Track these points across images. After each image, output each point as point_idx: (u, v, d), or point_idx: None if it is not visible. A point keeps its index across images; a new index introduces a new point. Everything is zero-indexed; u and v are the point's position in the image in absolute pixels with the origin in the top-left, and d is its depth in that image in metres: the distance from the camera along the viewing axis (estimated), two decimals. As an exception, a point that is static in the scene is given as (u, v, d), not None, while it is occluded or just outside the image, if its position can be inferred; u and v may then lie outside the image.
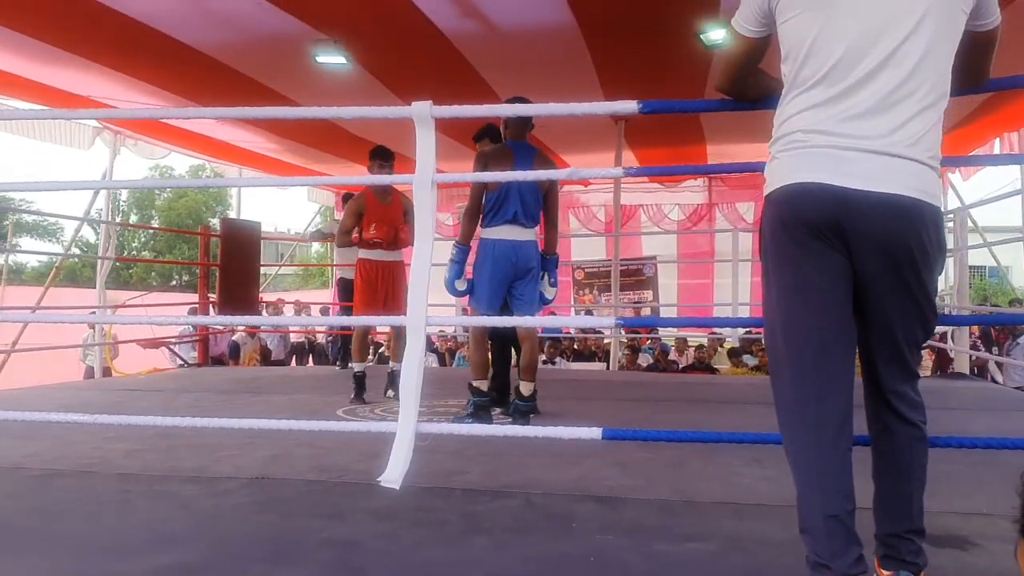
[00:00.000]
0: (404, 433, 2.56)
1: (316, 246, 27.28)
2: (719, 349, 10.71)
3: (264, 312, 10.43)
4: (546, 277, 4.52)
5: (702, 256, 13.01)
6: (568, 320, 9.83)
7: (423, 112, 2.60)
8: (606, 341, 10.81)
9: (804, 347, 1.79)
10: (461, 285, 4.43)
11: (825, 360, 1.78)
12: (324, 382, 6.74)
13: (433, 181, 2.64)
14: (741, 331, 9.96)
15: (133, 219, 38.88)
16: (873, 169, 1.71)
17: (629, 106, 2.51)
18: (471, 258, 4.50)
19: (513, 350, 5.03)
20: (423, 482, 2.82)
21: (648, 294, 13.42)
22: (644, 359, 10.50)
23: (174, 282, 35.23)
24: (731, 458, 3.31)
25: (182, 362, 9.27)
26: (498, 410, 4.65)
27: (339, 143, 9.70)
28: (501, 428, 2.85)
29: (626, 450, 3.46)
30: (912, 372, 1.87)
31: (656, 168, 11.42)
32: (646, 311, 12.99)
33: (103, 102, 8.22)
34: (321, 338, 12.22)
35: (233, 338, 10.55)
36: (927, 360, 10.18)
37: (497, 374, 4.92)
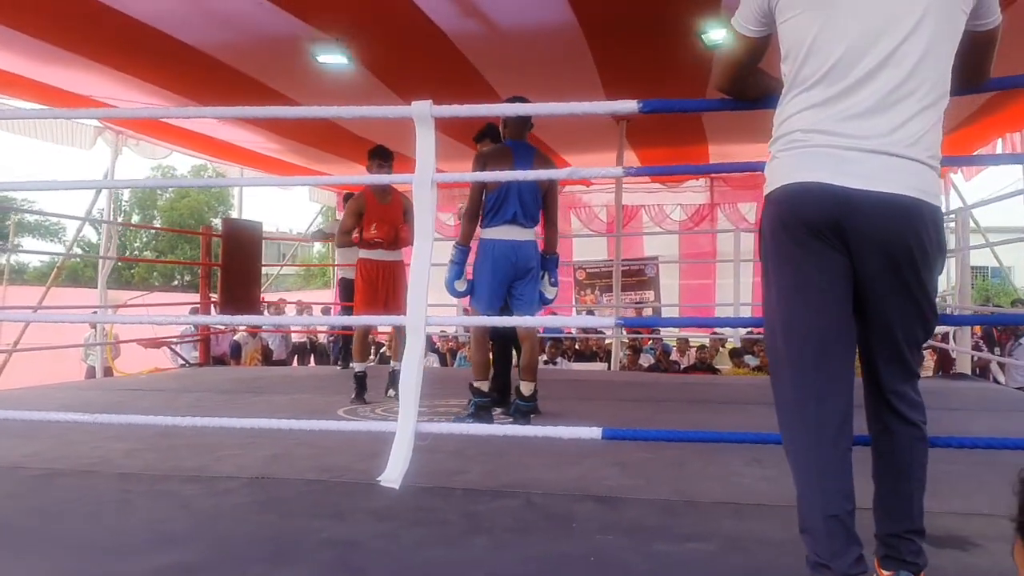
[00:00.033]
0: (404, 433, 2.56)
1: (318, 246, 27.31)
2: (721, 349, 10.70)
3: (266, 312, 10.43)
4: (546, 277, 4.52)
5: (704, 257, 13.00)
6: (569, 320, 9.83)
7: (423, 111, 2.60)
8: (607, 341, 10.80)
9: (804, 347, 1.79)
10: (461, 286, 4.43)
11: (825, 360, 1.77)
12: (325, 382, 6.74)
13: (433, 181, 2.64)
14: (743, 331, 9.95)
15: (135, 219, 38.93)
16: (873, 169, 1.71)
17: (629, 105, 2.51)
18: (471, 258, 4.50)
19: (514, 350, 5.03)
20: (423, 482, 2.82)
21: (650, 294, 13.40)
22: (646, 359, 10.49)
23: (176, 282, 35.26)
24: (732, 458, 3.31)
25: (183, 362, 9.27)
26: (499, 410, 4.65)
27: (340, 143, 9.71)
28: (501, 428, 2.86)
29: (626, 450, 3.46)
30: (912, 372, 1.87)
31: (656, 168, 11.41)
32: (648, 311, 12.97)
33: (104, 102, 8.22)
34: (323, 338, 12.22)
35: (235, 338, 10.55)
36: (929, 360, 10.16)
37: (498, 374, 4.92)
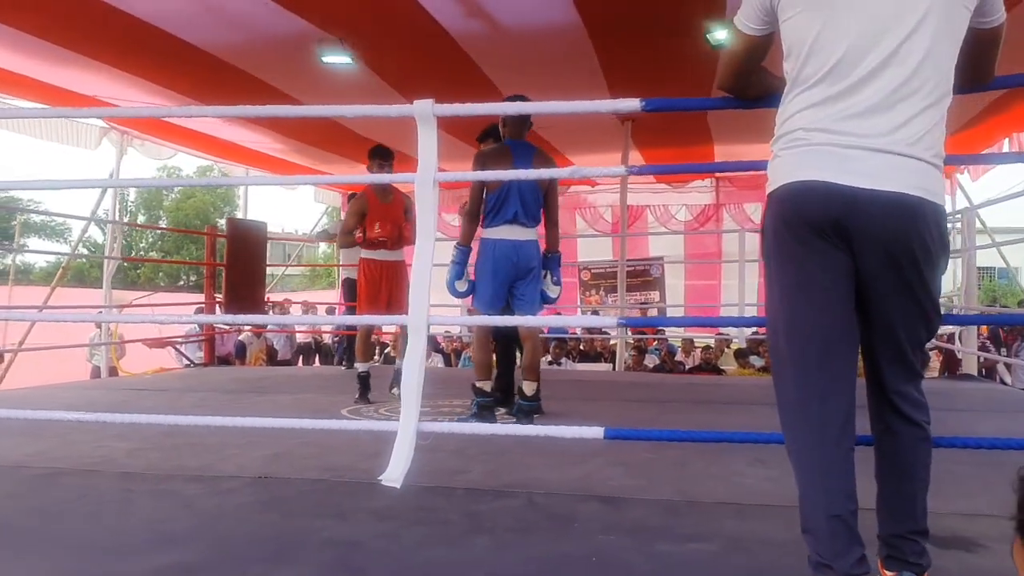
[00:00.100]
0: (405, 432, 2.56)
1: (323, 247, 27.33)
2: (726, 350, 10.68)
3: (270, 312, 10.44)
4: (548, 276, 4.51)
5: (709, 257, 12.97)
6: (571, 320, 9.81)
7: (425, 110, 2.59)
8: (612, 342, 10.78)
9: (807, 346, 1.78)
10: (462, 286, 4.43)
11: (828, 359, 1.77)
12: (329, 382, 6.74)
13: (435, 180, 2.64)
14: (748, 332, 9.92)
15: (141, 220, 39.06)
16: (875, 167, 1.70)
17: (631, 104, 2.49)
18: (472, 259, 4.50)
19: (517, 350, 5.02)
20: (425, 481, 2.81)
21: (655, 295, 13.38)
22: (650, 360, 10.46)
23: (182, 282, 35.34)
24: (735, 458, 3.30)
25: (188, 362, 9.28)
26: (502, 410, 4.64)
27: (344, 143, 9.71)
28: (503, 427, 2.86)
29: (629, 450, 3.45)
30: (915, 372, 1.86)
31: (658, 166, 11.38)
32: (653, 312, 12.96)
33: (109, 102, 8.24)
34: (327, 338, 12.22)
35: (239, 338, 10.56)
36: (935, 361, 10.13)
37: (501, 374, 4.92)
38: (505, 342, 4.97)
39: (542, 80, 7.25)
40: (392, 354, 9.60)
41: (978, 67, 1.96)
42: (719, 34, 6.22)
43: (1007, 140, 9.26)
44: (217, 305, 8.34)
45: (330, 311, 12.40)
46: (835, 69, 1.74)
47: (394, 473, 2.49)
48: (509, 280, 4.34)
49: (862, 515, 1.76)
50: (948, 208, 9.59)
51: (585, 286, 13.72)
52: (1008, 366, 9.42)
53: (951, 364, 9.24)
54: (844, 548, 1.69)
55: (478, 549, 2.28)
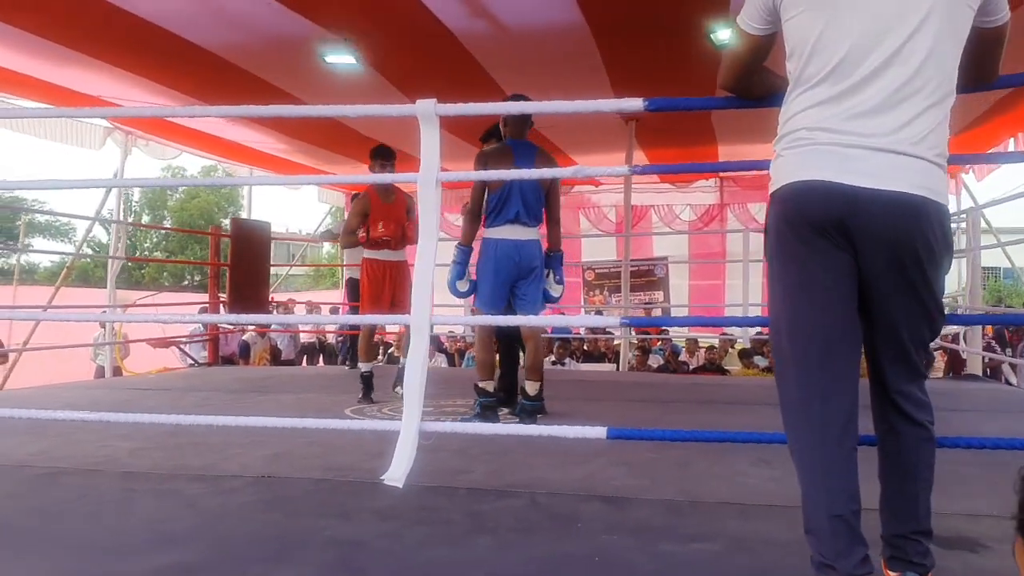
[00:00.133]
0: (408, 431, 2.56)
1: (327, 247, 27.32)
2: (730, 350, 10.66)
3: (274, 312, 10.44)
4: (551, 275, 4.50)
5: (714, 257, 12.96)
6: (573, 319, 9.80)
7: (427, 110, 2.59)
8: (616, 342, 10.77)
9: (809, 346, 1.77)
10: (463, 286, 4.43)
11: (830, 359, 1.76)
12: (333, 382, 6.74)
13: (437, 180, 2.63)
14: (752, 332, 9.91)
15: (145, 220, 39.11)
16: (878, 167, 1.69)
17: (634, 103, 2.49)
18: (474, 258, 4.49)
19: (520, 350, 5.02)
20: (427, 481, 2.81)
21: (659, 295, 13.36)
22: (654, 360, 10.45)
23: (186, 282, 35.39)
24: (738, 458, 3.29)
25: (192, 362, 9.30)
26: (505, 410, 4.64)
27: (348, 143, 9.71)
28: (506, 427, 2.85)
29: (633, 450, 3.45)
30: (918, 372, 1.85)
31: (661, 166, 11.36)
32: (657, 312, 12.94)
33: (113, 102, 8.25)
34: (331, 338, 12.23)
35: (243, 338, 10.57)
36: (939, 362, 10.11)
37: (504, 374, 4.91)
38: (508, 342, 4.97)
39: (545, 80, 7.25)
40: (396, 354, 9.60)
41: (982, 66, 1.95)
42: (723, 34, 6.21)
43: (1012, 140, 9.23)
44: (221, 305, 8.35)
45: (334, 311, 12.40)
46: (838, 69, 1.74)
47: (396, 473, 2.49)
48: (511, 280, 4.34)
49: (866, 515, 1.75)
50: (953, 208, 9.57)
51: (589, 286, 13.70)
52: (1013, 366, 9.39)
53: (956, 364, 9.23)
54: (846, 548, 1.68)
55: (480, 549, 2.27)
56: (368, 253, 5.44)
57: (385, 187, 5.41)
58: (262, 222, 9.14)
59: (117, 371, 9.13)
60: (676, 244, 13.39)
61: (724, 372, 9.65)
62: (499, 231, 4.31)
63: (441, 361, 10.89)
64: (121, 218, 10.69)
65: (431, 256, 2.67)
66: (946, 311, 1.89)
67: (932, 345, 9.10)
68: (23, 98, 8.21)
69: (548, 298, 4.52)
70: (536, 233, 4.40)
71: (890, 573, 1.83)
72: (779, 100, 1.95)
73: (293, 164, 11.64)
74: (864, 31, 1.72)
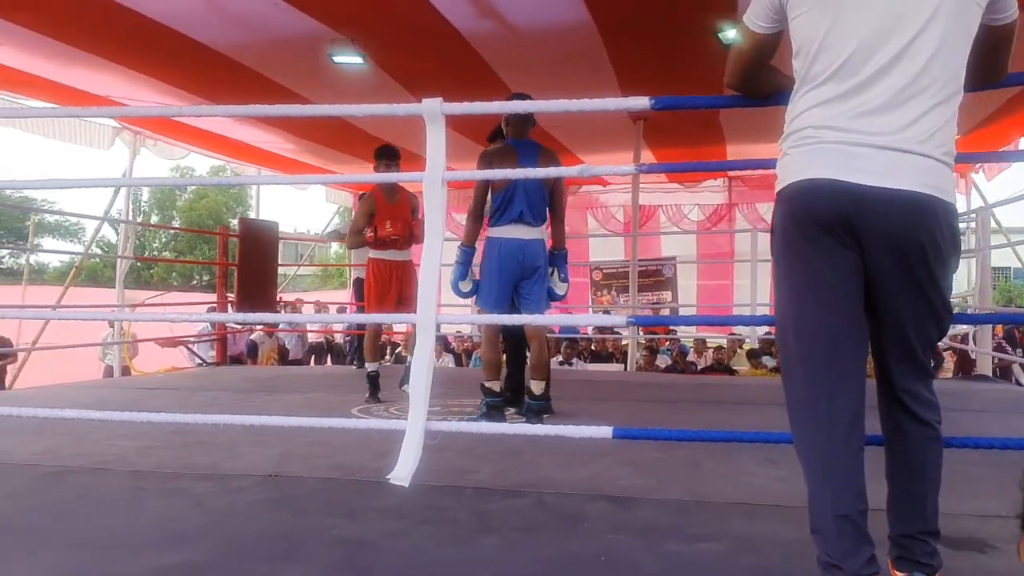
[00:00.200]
0: (414, 431, 2.56)
1: (335, 246, 27.39)
2: (739, 350, 10.63)
3: (282, 312, 10.46)
4: (555, 273, 4.49)
5: (722, 257, 12.93)
6: (580, 318, 9.79)
7: (433, 109, 2.59)
8: (624, 342, 10.75)
9: (815, 344, 1.77)
10: (466, 287, 4.42)
11: (836, 357, 1.75)
12: (340, 381, 6.75)
13: (443, 179, 2.63)
14: (760, 332, 9.89)
15: (154, 220, 39.27)
16: (885, 165, 1.69)
17: (641, 102, 2.49)
18: (478, 259, 4.49)
19: (527, 350, 5.01)
20: (434, 480, 2.81)
21: (667, 295, 13.33)
22: (662, 360, 10.43)
23: (195, 282, 35.51)
24: (745, 458, 3.29)
25: (200, 361, 9.32)
26: (512, 410, 4.63)
27: (355, 143, 9.72)
28: (512, 427, 2.85)
29: (639, 450, 3.44)
30: (925, 371, 1.85)
31: (668, 164, 11.33)
32: (665, 312, 12.92)
33: (121, 102, 8.27)
34: (339, 338, 12.25)
35: (251, 337, 10.59)
36: (949, 362, 10.06)
37: (511, 374, 4.91)
38: (515, 341, 4.96)
39: (552, 79, 7.24)
40: (403, 353, 9.61)
41: (990, 64, 1.94)
42: (731, 33, 6.19)
43: (1022, 138, 9.19)
44: (229, 305, 8.36)
45: (341, 311, 12.42)
46: (844, 67, 1.73)
47: (402, 472, 2.49)
48: (514, 279, 4.33)
49: (873, 515, 1.74)
50: (963, 207, 9.52)
51: (597, 286, 13.68)
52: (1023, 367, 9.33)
53: (965, 365, 9.18)
54: (853, 548, 1.67)
55: (486, 548, 2.27)
56: (374, 253, 5.44)
57: (390, 187, 5.41)
58: (270, 222, 9.16)
59: (125, 370, 9.15)
60: (684, 244, 13.37)
61: (732, 372, 9.62)
62: (503, 230, 4.30)
63: (448, 361, 10.89)
64: (130, 218, 10.73)
65: (437, 255, 2.67)
66: (955, 311, 1.88)
67: (942, 345, 9.08)
68: (32, 98, 8.25)
69: (553, 296, 4.51)
70: (540, 232, 4.39)
71: (897, 573, 1.82)
72: (785, 99, 1.95)
73: (301, 164, 11.66)
74: (871, 29, 1.71)
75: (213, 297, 10.04)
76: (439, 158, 2.63)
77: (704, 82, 6.88)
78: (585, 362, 10.30)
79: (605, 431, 2.46)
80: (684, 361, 10.47)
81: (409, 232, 5.33)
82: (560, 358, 9.73)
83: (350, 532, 2.40)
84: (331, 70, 7.15)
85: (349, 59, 6.97)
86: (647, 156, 10.16)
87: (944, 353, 9.83)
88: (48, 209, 28.41)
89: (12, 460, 3.35)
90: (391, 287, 5.38)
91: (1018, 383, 8.88)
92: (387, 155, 5.36)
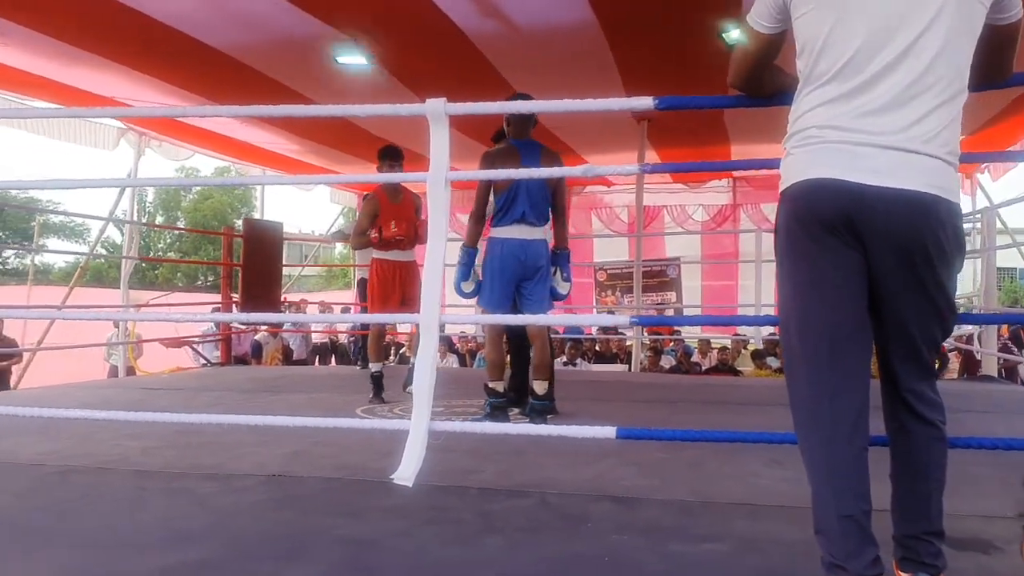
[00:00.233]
0: (417, 431, 2.56)
1: (339, 247, 27.40)
2: (743, 351, 10.63)
3: (286, 312, 10.47)
4: (558, 272, 4.49)
5: (726, 258, 12.91)
6: (584, 318, 9.78)
7: (437, 109, 2.59)
8: (628, 343, 10.75)
9: (819, 343, 1.76)
10: (468, 287, 4.42)
11: (840, 357, 1.75)
12: (345, 381, 6.75)
13: (447, 179, 2.63)
14: (765, 333, 9.88)
15: (159, 221, 39.32)
16: (888, 164, 1.68)
17: (644, 102, 2.49)
18: (480, 259, 4.49)
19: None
20: (438, 480, 2.81)
21: (671, 295, 13.30)
22: (666, 361, 10.43)
23: (199, 282, 35.56)
24: (750, 459, 3.28)
25: (205, 361, 9.33)
26: (515, 410, 4.63)
27: (359, 144, 9.72)
28: (515, 427, 2.85)
29: (643, 450, 3.44)
30: (929, 371, 1.84)
31: (672, 164, 11.30)
32: (669, 313, 12.90)
33: (125, 102, 8.29)
34: (343, 338, 12.25)
35: (256, 338, 10.61)
36: (954, 362, 10.04)
37: (515, 374, 4.91)
38: (518, 342, 4.96)
39: (556, 79, 7.24)
40: (407, 354, 9.61)
41: (994, 64, 1.94)
42: (735, 33, 6.18)
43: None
44: (234, 305, 8.37)
45: (345, 311, 12.42)
46: (847, 66, 1.73)
47: (406, 472, 2.49)
48: (516, 279, 4.32)
49: (878, 516, 1.74)
50: (968, 208, 9.48)
51: (601, 287, 13.65)
52: (1029, 367, 9.31)
53: (970, 365, 9.17)
54: (857, 548, 1.67)
55: (490, 548, 2.27)
56: (377, 253, 5.44)
57: (394, 187, 5.42)
58: (274, 223, 9.16)
59: (130, 371, 9.18)
60: (689, 245, 13.34)
61: (736, 373, 9.61)
62: (505, 231, 4.30)
63: (453, 362, 10.90)
64: (135, 219, 10.74)
65: (440, 256, 2.67)
66: (960, 311, 1.87)
67: (947, 346, 9.06)
68: (36, 99, 8.26)
69: (555, 296, 4.51)
70: (542, 233, 4.38)
71: (902, 574, 1.82)
72: (789, 98, 1.94)
73: (305, 165, 11.67)
74: (874, 29, 1.71)
75: (218, 297, 10.04)
76: (443, 158, 2.63)
77: (708, 82, 6.89)
78: (589, 363, 10.31)
79: (609, 431, 2.45)
80: (688, 362, 10.47)
81: (414, 233, 5.33)
82: (564, 359, 9.74)
83: (354, 532, 2.41)
84: (335, 70, 7.16)
85: (353, 60, 6.98)
86: (651, 156, 10.15)
87: (949, 354, 9.81)
88: (53, 210, 28.45)
89: (17, 459, 3.36)
90: (395, 288, 5.38)
91: (1023, 383, 8.86)
92: (390, 156, 5.36)
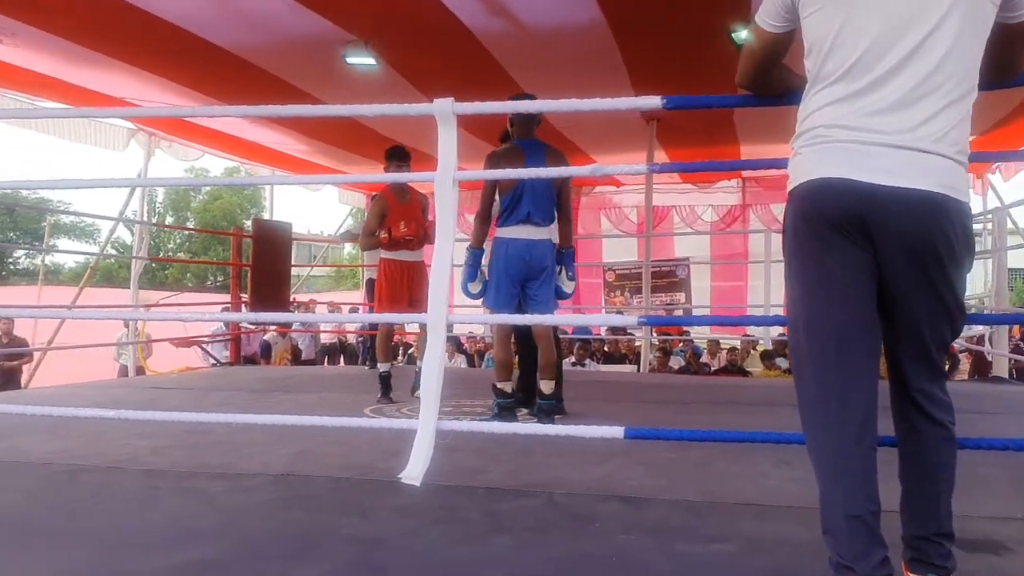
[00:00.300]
0: (425, 430, 2.56)
1: (348, 247, 27.49)
2: (752, 352, 10.59)
3: (295, 312, 10.49)
4: (563, 271, 4.49)
5: (736, 258, 12.88)
6: (591, 318, 9.78)
7: (445, 109, 2.59)
8: (637, 344, 10.73)
9: (827, 343, 1.76)
10: (475, 288, 4.42)
11: (847, 357, 1.74)
12: (353, 381, 6.76)
13: (454, 179, 2.64)
14: (774, 333, 9.86)
15: (169, 221, 39.49)
16: (897, 164, 1.68)
17: (652, 101, 2.49)
18: (486, 259, 4.49)
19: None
20: (446, 480, 2.81)
21: (680, 296, 13.27)
22: (676, 362, 10.40)
23: (209, 282, 35.69)
24: (759, 459, 3.27)
25: (214, 361, 9.36)
26: (524, 411, 4.63)
27: (367, 144, 9.73)
28: (523, 427, 2.85)
29: (651, 450, 3.43)
30: (939, 371, 1.83)
31: (680, 164, 11.26)
32: (678, 313, 12.87)
33: (134, 103, 8.32)
34: (352, 338, 12.27)
35: (265, 338, 10.63)
36: (965, 363, 10.00)
37: (523, 374, 4.90)
38: (525, 342, 4.96)
39: (564, 79, 7.23)
40: (415, 354, 9.62)
41: (1004, 63, 1.92)
42: (744, 33, 6.17)
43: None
44: (243, 305, 8.39)
45: (354, 312, 12.44)
46: (856, 65, 1.72)
47: (413, 471, 2.49)
48: (521, 279, 4.32)
49: (888, 517, 1.73)
50: (979, 208, 9.42)
51: (610, 287, 13.64)
52: (1041, 368, 9.26)
53: (981, 366, 9.13)
54: (865, 549, 1.66)
55: (498, 548, 2.27)
56: (385, 254, 5.44)
57: (401, 187, 5.42)
58: (283, 223, 9.19)
59: (140, 370, 9.21)
60: (698, 245, 13.31)
61: (746, 374, 9.59)
62: (511, 231, 4.30)
63: (461, 362, 10.90)
64: (145, 219, 10.79)
65: (448, 256, 2.67)
66: (971, 312, 1.87)
67: (958, 347, 9.02)
68: (46, 99, 8.30)
69: (560, 295, 4.51)
70: (548, 233, 4.37)
71: (911, 575, 1.81)
72: (797, 98, 1.94)
73: (313, 165, 11.70)
74: (883, 28, 1.70)
75: (227, 297, 10.07)
76: (451, 158, 2.63)
77: (719, 84, 6.86)
78: (598, 363, 10.29)
79: (617, 431, 2.45)
80: (697, 362, 10.45)
81: (423, 233, 5.34)
82: (573, 359, 9.73)
83: (363, 531, 2.41)
84: (343, 71, 7.17)
85: (361, 60, 6.99)
86: (660, 156, 10.14)
87: (960, 355, 9.76)
88: (63, 210, 28.64)
89: (27, 458, 3.38)
90: (403, 288, 5.38)
91: (1034, 385, 8.80)
92: (397, 156, 5.37)
